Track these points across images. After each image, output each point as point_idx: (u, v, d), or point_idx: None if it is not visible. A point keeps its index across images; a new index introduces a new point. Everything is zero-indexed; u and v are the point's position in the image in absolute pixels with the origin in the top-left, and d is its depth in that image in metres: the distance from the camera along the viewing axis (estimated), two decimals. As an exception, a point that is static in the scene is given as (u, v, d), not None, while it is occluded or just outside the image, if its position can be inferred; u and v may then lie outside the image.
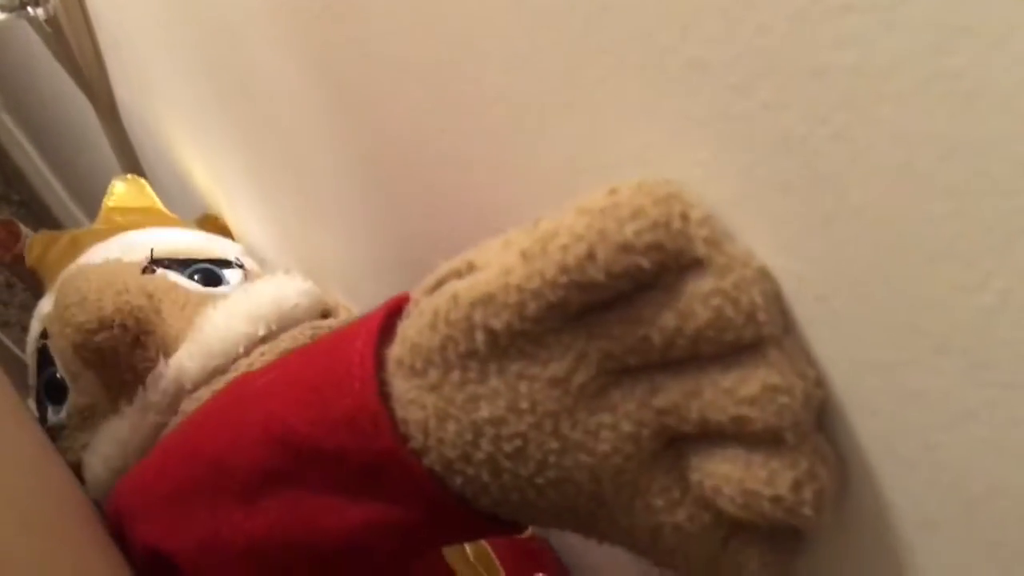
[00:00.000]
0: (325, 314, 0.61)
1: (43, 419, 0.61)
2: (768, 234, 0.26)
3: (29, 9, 0.82)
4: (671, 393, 0.27)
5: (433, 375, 0.30)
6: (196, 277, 0.62)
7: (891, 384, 0.25)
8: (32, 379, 0.63)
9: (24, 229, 1.10)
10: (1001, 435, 0.23)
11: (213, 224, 0.79)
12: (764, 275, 0.26)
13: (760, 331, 0.26)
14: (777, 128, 0.24)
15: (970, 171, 0.20)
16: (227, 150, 0.68)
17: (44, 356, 0.61)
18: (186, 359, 0.53)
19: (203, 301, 0.58)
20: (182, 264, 0.63)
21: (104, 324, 0.50)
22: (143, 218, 0.72)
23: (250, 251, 0.74)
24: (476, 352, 0.29)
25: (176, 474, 0.38)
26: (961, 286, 0.22)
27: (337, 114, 0.47)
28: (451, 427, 0.30)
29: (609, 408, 0.28)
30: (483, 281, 0.28)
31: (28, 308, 1.58)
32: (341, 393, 0.32)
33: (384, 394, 0.31)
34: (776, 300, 0.27)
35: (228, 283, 0.63)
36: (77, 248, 0.68)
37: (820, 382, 0.27)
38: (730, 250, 0.26)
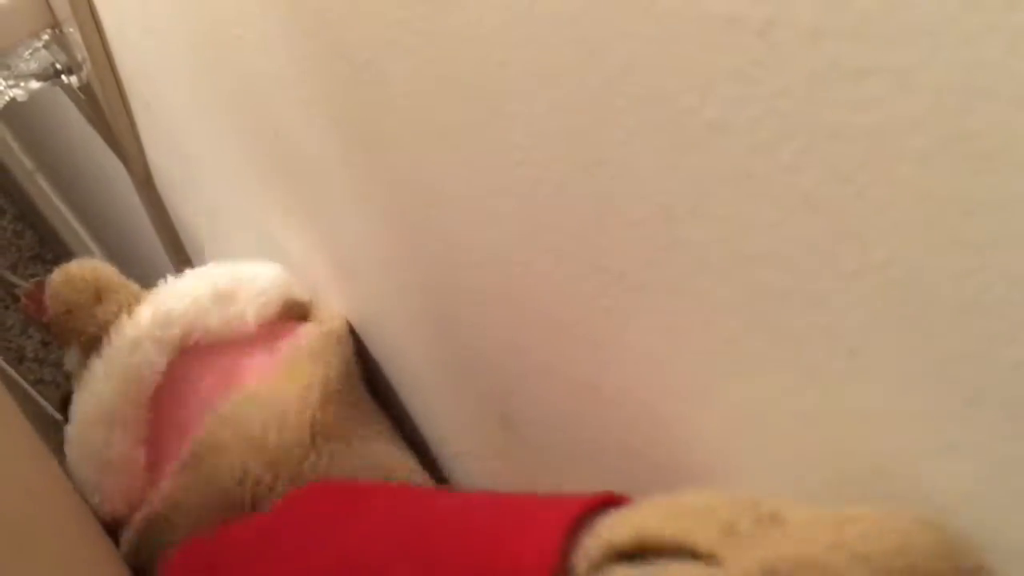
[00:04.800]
0: (293, 305, 0.65)
1: None
2: (794, 287, 0.27)
3: (63, 77, 0.85)
4: None
5: None
6: None
7: (926, 436, 0.25)
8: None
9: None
10: (1040, 485, 0.23)
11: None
12: None
13: None
14: (799, 188, 0.24)
15: (994, 227, 0.20)
16: (255, 210, 0.69)
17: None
18: (143, 312, 0.60)
19: None
20: None
21: (69, 281, 0.61)
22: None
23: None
24: None
25: None
26: (990, 339, 0.22)
27: (364, 174, 0.48)
28: None
29: None
30: None
31: (62, 367, 1.60)
32: None
33: None
34: None
35: None
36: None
37: None
38: None
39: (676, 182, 0.28)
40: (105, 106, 0.84)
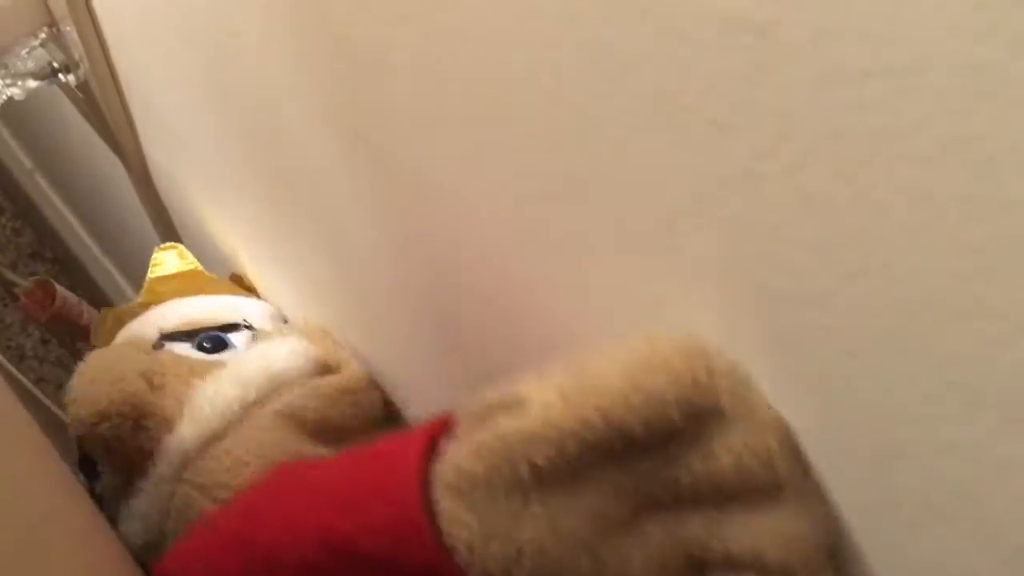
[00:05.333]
0: (324, 370, 0.62)
1: (91, 490, 0.62)
2: (794, 287, 0.26)
3: (60, 76, 0.85)
4: (695, 527, 0.30)
5: (479, 499, 0.32)
6: (206, 345, 0.65)
7: (924, 437, 0.25)
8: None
9: (59, 288, 1.12)
10: (1040, 487, 0.23)
11: (242, 283, 0.80)
12: (780, 423, 0.29)
13: (777, 477, 0.29)
14: (800, 188, 0.24)
15: (995, 229, 0.20)
16: (254, 208, 0.69)
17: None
18: (184, 430, 0.56)
19: (207, 370, 0.60)
20: (189, 335, 0.66)
21: (103, 416, 0.53)
22: (182, 285, 0.74)
23: (278, 309, 0.75)
24: (521, 482, 0.31)
25: (228, 564, 0.40)
26: (991, 341, 0.22)
27: (365, 172, 0.48)
28: (495, 546, 0.32)
29: (640, 536, 0.31)
30: (528, 419, 0.30)
31: (63, 364, 1.60)
32: (385, 501, 0.35)
33: (430, 510, 0.34)
34: (792, 446, 0.29)
35: (235, 347, 0.65)
36: (119, 326, 0.71)
37: (833, 528, 0.29)
38: (751, 400, 0.29)
39: (676, 182, 0.28)
40: (103, 104, 0.84)
